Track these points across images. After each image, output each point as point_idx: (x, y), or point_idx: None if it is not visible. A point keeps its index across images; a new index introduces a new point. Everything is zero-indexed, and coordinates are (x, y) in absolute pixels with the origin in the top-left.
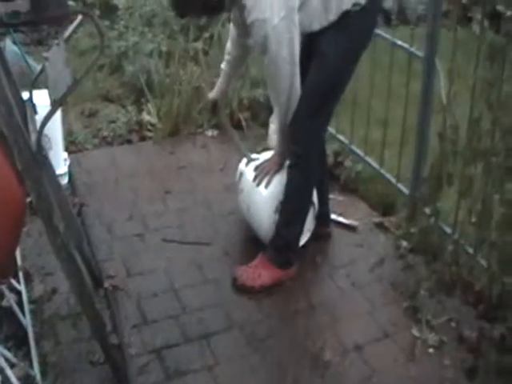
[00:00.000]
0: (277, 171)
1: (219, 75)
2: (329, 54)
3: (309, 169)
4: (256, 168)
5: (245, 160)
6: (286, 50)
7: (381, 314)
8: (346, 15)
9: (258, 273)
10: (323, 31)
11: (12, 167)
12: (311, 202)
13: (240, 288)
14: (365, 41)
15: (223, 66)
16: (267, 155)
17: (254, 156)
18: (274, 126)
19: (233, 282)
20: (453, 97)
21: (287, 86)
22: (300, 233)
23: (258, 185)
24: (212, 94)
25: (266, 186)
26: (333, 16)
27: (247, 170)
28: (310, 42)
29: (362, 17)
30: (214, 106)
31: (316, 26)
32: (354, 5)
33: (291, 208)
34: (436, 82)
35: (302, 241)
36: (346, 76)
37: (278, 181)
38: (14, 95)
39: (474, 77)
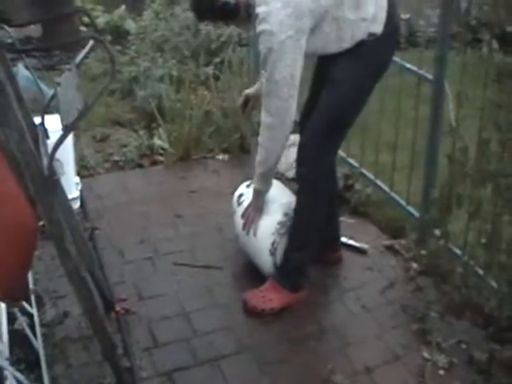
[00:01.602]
0: (259, 215)
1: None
2: (341, 81)
3: (317, 193)
4: (242, 215)
5: (246, 182)
6: (287, 70)
7: (391, 336)
8: (361, 44)
9: (269, 297)
10: (338, 56)
11: (24, 191)
12: (321, 227)
13: (250, 311)
14: (380, 71)
15: None
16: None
17: None
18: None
19: (243, 305)
20: (462, 119)
21: (282, 109)
22: (310, 257)
23: (247, 234)
24: (248, 91)
25: (255, 235)
26: (347, 44)
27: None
28: (324, 64)
29: (378, 46)
30: (246, 103)
31: (329, 51)
32: (370, 35)
33: (300, 233)
34: (445, 104)
35: (276, 250)
36: (357, 105)
37: (266, 223)
38: (25, 120)
39: (482, 99)
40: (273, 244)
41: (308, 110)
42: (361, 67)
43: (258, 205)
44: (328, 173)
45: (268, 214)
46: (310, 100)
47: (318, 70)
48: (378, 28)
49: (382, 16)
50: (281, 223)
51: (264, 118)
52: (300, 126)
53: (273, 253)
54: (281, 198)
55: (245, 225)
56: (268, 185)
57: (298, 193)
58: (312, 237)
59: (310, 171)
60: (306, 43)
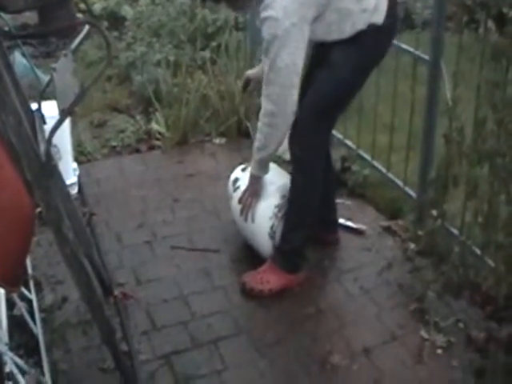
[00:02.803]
0: (256, 200)
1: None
2: (338, 65)
3: (311, 173)
4: (240, 200)
5: (241, 166)
6: (290, 58)
7: (389, 316)
8: (361, 33)
9: (267, 278)
10: (336, 43)
11: (21, 177)
12: (316, 207)
13: (249, 293)
14: (377, 58)
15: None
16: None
17: None
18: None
19: (242, 287)
20: (458, 99)
21: (283, 96)
22: (306, 237)
23: (246, 220)
24: (249, 72)
25: (253, 220)
26: (347, 33)
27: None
28: (322, 51)
29: (378, 35)
30: (247, 84)
31: (329, 38)
32: (370, 25)
33: (295, 213)
34: (441, 84)
35: (275, 234)
36: (352, 88)
37: (264, 208)
38: (22, 106)
39: (478, 78)
40: (272, 227)
41: (302, 91)
42: (359, 53)
43: (255, 190)
44: (321, 153)
45: (265, 198)
46: (304, 82)
47: (315, 53)
48: (378, 19)
49: (383, 7)
50: (279, 206)
51: (265, 105)
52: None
53: (272, 236)
54: (277, 180)
55: (242, 211)
56: (265, 170)
57: (292, 173)
58: (307, 217)
59: (302, 150)
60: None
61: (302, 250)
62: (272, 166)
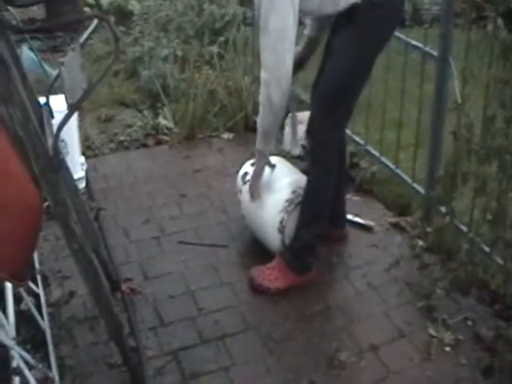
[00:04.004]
0: (260, 177)
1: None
2: (340, 51)
3: (325, 168)
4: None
5: (251, 161)
6: (279, 23)
7: (397, 313)
8: (355, 8)
9: (276, 275)
10: (337, 29)
11: (28, 172)
12: (329, 203)
13: (256, 288)
14: (379, 38)
15: (306, 31)
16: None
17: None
18: (289, 129)
19: (249, 282)
20: (467, 96)
21: (276, 62)
22: (318, 235)
23: (254, 200)
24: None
25: (258, 198)
26: (341, 6)
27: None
28: (329, 42)
29: (373, 11)
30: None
31: (325, 11)
32: None
33: (310, 208)
34: (450, 81)
35: (284, 229)
36: (359, 74)
37: (274, 201)
38: (30, 100)
39: (487, 76)
40: (281, 222)
41: (316, 85)
42: (357, 35)
43: (261, 167)
44: (336, 148)
45: (275, 192)
46: (318, 74)
47: (325, 46)
48: None
49: None
50: (289, 200)
51: (262, 74)
52: (310, 101)
53: (281, 231)
54: (288, 175)
55: (252, 194)
56: (269, 145)
57: (309, 168)
58: (320, 212)
59: (317, 145)
60: (302, 3)
61: (313, 248)
62: (284, 162)
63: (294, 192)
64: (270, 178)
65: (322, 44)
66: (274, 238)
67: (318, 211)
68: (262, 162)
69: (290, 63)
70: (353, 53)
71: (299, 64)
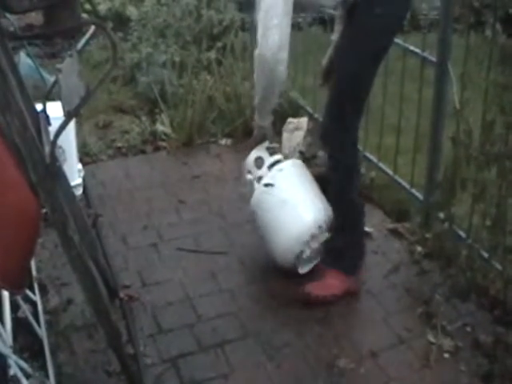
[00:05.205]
0: (256, 144)
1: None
2: (342, 57)
3: (349, 170)
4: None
5: (265, 144)
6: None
7: (396, 320)
8: (352, 6)
9: (329, 283)
10: (344, 29)
11: (26, 179)
12: (357, 203)
13: (315, 301)
14: (377, 40)
15: (333, 37)
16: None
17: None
18: (287, 135)
19: (306, 298)
20: (466, 102)
21: (264, 37)
22: (356, 236)
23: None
24: (324, 61)
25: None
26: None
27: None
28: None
29: (369, 10)
30: (327, 74)
31: (324, 3)
32: None
33: (339, 212)
34: (449, 86)
35: (306, 268)
36: (364, 75)
37: (299, 232)
38: (27, 107)
39: (486, 81)
40: (301, 252)
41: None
42: (357, 37)
43: (257, 138)
44: (355, 148)
45: (304, 224)
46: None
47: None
48: None
49: None
50: (314, 236)
51: (255, 50)
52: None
53: (296, 258)
54: (320, 210)
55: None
56: (265, 119)
57: (329, 173)
58: (351, 214)
59: (335, 150)
60: None
61: (359, 246)
62: (311, 180)
63: (320, 227)
64: (298, 197)
65: None
66: (285, 259)
67: (348, 215)
68: (259, 135)
69: (275, 39)
70: (357, 53)
71: (329, 71)
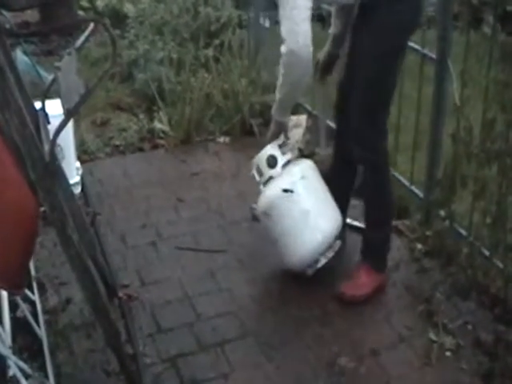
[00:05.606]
0: (271, 140)
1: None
2: (365, 59)
3: (381, 170)
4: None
5: (278, 141)
6: None
7: (396, 318)
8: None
9: (362, 282)
10: (362, 26)
11: (25, 178)
12: (392, 201)
13: (350, 301)
14: (399, 36)
15: (330, 30)
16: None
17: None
18: (294, 118)
19: (341, 298)
20: (466, 99)
21: (294, 31)
22: (389, 233)
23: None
24: (321, 55)
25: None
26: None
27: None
28: (354, 42)
29: (390, 7)
30: (326, 68)
31: (345, 1)
32: None
33: (375, 213)
34: (449, 83)
35: (313, 271)
36: (393, 68)
37: (319, 242)
38: (26, 105)
39: (486, 79)
40: (315, 261)
41: (343, 93)
42: (383, 35)
43: (274, 134)
44: (385, 147)
45: (323, 236)
46: (345, 80)
47: (350, 53)
48: None
49: None
50: (330, 246)
51: (282, 47)
52: (336, 109)
53: (309, 266)
54: (336, 220)
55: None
56: (285, 116)
57: (365, 175)
58: (386, 214)
59: (369, 151)
60: None
61: (387, 248)
62: (325, 188)
63: (335, 237)
64: (318, 208)
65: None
66: (298, 265)
67: (384, 214)
68: (276, 131)
69: (307, 32)
70: (383, 49)
71: (327, 66)
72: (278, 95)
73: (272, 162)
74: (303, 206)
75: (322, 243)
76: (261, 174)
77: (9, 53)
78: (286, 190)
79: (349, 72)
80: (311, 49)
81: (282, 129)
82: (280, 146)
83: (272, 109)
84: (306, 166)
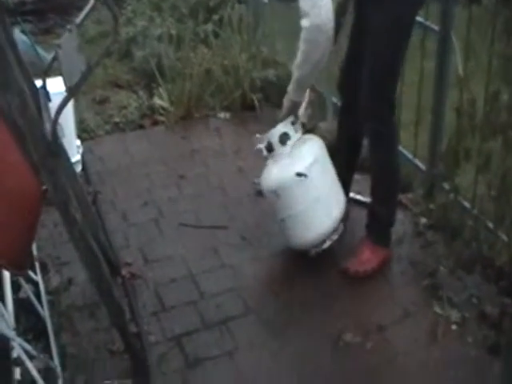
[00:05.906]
0: (284, 118)
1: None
2: (368, 28)
3: (391, 145)
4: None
5: (290, 119)
6: None
7: (401, 293)
8: None
9: (367, 257)
10: (361, 4)
11: (27, 159)
12: (400, 177)
13: (354, 276)
14: (402, 9)
15: None
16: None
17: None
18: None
19: (345, 272)
20: (469, 73)
21: (316, 7)
22: (394, 210)
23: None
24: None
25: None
26: None
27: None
28: (360, 20)
29: None
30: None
31: None
32: None
33: (383, 187)
34: (451, 56)
35: (321, 247)
36: (404, 42)
37: (324, 225)
38: (27, 84)
39: (489, 52)
40: (322, 242)
41: (348, 67)
42: (390, 9)
43: (287, 114)
44: (394, 120)
45: (331, 221)
46: (349, 56)
47: (355, 26)
48: None
49: None
50: (335, 229)
51: (302, 21)
52: (339, 84)
53: (315, 246)
54: (342, 203)
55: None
56: (301, 95)
57: (372, 150)
58: (393, 188)
59: (379, 124)
60: None
61: (393, 223)
62: (331, 169)
63: (342, 220)
64: (329, 194)
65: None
66: (301, 243)
67: (393, 190)
68: (290, 110)
69: (329, 8)
70: (391, 23)
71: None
72: (296, 74)
73: (285, 139)
74: (315, 192)
75: (329, 227)
76: (271, 150)
77: (9, 32)
78: (299, 174)
79: (354, 45)
80: (333, 23)
81: (297, 108)
82: (293, 123)
83: (288, 88)
84: (317, 147)
